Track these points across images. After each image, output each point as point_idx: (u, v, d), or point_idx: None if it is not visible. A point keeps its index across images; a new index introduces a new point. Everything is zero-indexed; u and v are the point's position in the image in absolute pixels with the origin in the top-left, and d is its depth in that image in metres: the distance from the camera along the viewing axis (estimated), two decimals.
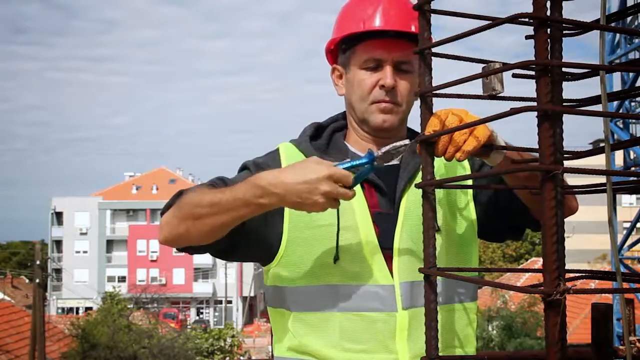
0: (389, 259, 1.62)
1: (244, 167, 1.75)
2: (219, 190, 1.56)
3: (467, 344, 1.71)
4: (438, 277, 1.61)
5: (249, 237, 1.63)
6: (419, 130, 1.32)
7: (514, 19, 1.01)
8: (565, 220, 0.99)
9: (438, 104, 1.31)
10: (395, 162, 1.67)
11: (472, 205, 1.73)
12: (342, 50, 1.75)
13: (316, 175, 1.42)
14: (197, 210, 1.54)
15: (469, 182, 1.73)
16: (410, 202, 1.66)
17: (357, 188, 1.63)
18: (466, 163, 1.76)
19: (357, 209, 1.63)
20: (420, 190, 1.26)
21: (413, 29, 1.64)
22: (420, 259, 1.40)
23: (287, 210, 1.63)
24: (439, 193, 1.69)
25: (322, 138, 1.77)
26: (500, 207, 1.71)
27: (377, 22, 1.66)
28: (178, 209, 1.59)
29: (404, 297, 1.60)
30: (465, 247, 1.72)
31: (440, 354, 1.61)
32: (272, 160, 1.73)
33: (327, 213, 1.51)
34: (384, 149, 1.48)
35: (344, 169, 1.46)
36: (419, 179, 1.33)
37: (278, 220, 1.64)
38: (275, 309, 1.73)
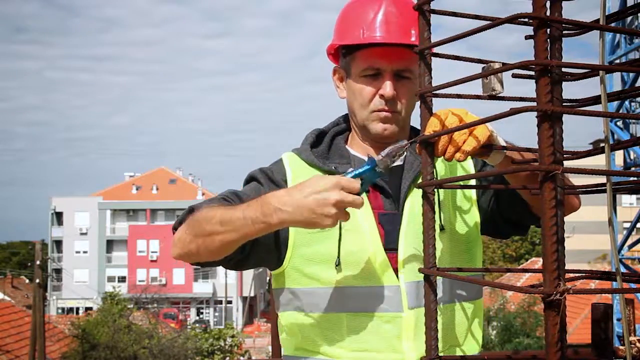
0: (393, 260, 1.62)
1: (251, 178, 1.74)
2: (230, 208, 1.54)
3: (473, 341, 1.72)
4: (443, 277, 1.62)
5: (259, 247, 1.63)
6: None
7: (514, 19, 1.01)
8: (565, 220, 0.99)
9: (438, 104, 1.31)
10: (398, 163, 1.67)
11: (475, 205, 1.74)
12: (342, 54, 1.74)
13: (324, 186, 1.40)
14: (208, 228, 1.53)
15: (472, 182, 1.73)
16: (415, 202, 1.65)
17: None
18: (467, 164, 1.76)
19: (361, 211, 1.60)
20: None
21: (413, 38, 1.62)
22: None
23: None
24: (443, 193, 1.69)
25: (323, 144, 1.76)
26: (502, 206, 1.71)
27: (377, 32, 1.63)
28: (189, 226, 1.59)
29: (409, 297, 1.61)
30: (470, 246, 1.72)
31: (445, 352, 1.63)
32: (277, 168, 1.74)
33: None
34: (384, 153, 1.47)
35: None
36: None
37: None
38: (283, 311, 1.73)
